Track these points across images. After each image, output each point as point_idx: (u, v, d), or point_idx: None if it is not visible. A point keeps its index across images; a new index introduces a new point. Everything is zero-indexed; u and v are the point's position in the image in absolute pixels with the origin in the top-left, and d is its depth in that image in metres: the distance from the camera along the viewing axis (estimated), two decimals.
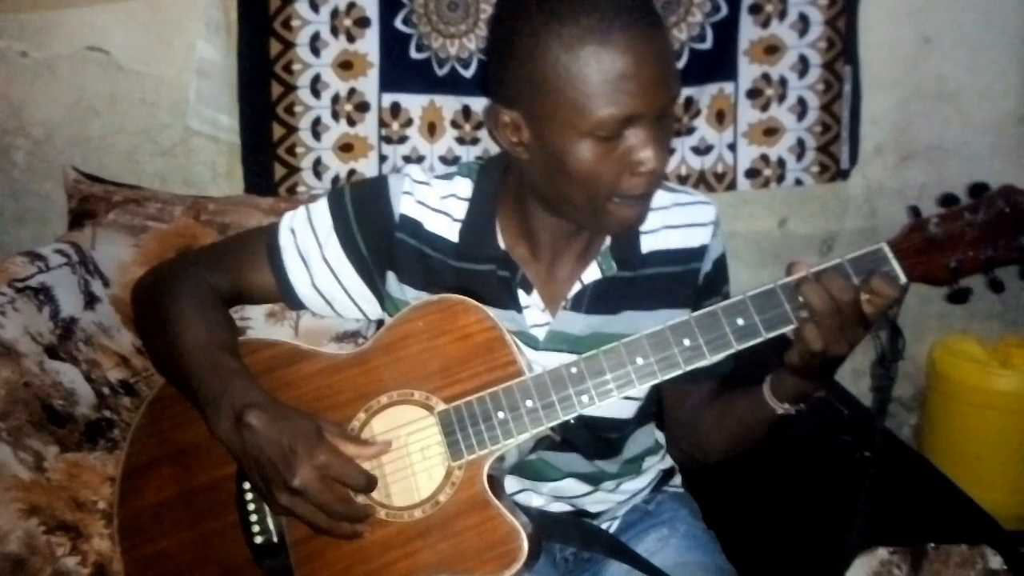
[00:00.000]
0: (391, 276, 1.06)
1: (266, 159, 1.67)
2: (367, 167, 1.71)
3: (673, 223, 1.06)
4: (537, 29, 0.89)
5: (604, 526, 1.17)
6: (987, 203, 0.86)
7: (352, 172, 1.71)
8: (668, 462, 1.22)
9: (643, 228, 1.04)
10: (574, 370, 0.93)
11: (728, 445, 1.07)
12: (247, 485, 1.00)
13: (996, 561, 1.08)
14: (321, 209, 1.07)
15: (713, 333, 0.90)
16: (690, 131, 1.79)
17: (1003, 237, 0.85)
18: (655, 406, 1.17)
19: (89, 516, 1.15)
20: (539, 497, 1.12)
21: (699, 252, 1.06)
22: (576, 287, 1.04)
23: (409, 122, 1.71)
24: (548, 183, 0.96)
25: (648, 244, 1.05)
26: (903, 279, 0.87)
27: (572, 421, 0.95)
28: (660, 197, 1.06)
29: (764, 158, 1.84)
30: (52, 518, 1.13)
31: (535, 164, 0.96)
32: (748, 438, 1.04)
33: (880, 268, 0.87)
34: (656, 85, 0.88)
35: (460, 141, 1.73)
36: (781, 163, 1.85)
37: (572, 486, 1.11)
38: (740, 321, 0.89)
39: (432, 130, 1.72)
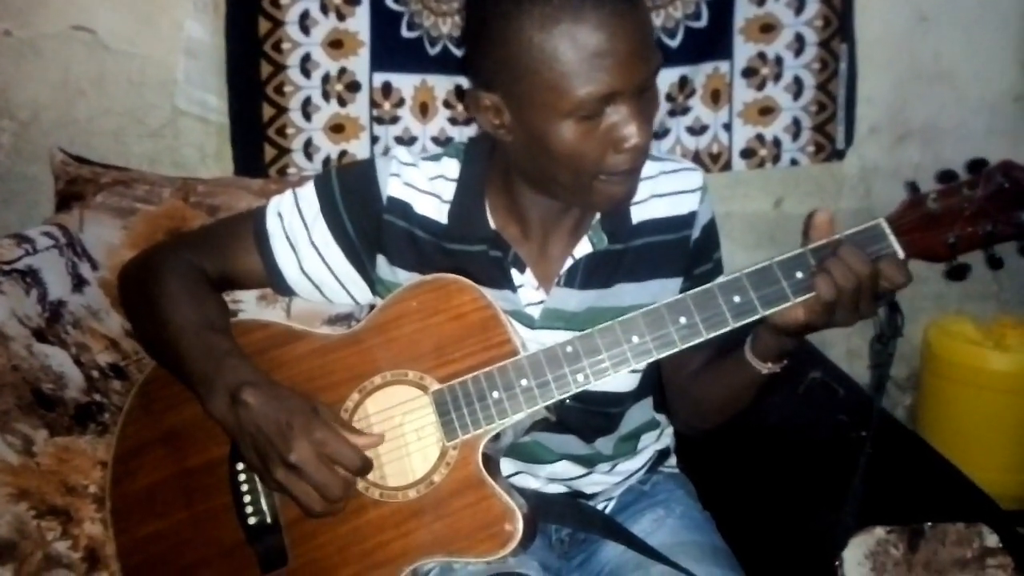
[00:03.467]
0: (381, 259, 1.05)
1: (256, 140, 1.65)
2: (359, 148, 1.70)
3: (660, 192, 1.06)
4: (509, 10, 0.87)
5: (600, 507, 1.16)
6: (986, 178, 0.85)
7: (343, 153, 1.69)
8: (664, 442, 1.21)
9: (632, 199, 1.03)
10: (569, 349, 0.92)
11: (721, 408, 1.07)
12: (240, 466, 0.99)
13: (992, 539, 1.08)
14: (308, 193, 1.06)
15: (709, 311, 0.89)
16: (685, 111, 1.78)
17: (1002, 213, 0.84)
18: (654, 380, 1.16)
19: (80, 500, 1.14)
20: (535, 480, 1.11)
21: (688, 219, 1.06)
22: (568, 263, 1.04)
23: (401, 102, 1.69)
24: (533, 164, 0.95)
25: (638, 215, 1.05)
26: (901, 255, 0.87)
27: (568, 400, 0.94)
28: (646, 167, 1.05)
29: (760, 138, 1.83)
30: (42, 502, 1.12)
31: (518, 146, 0.95)
32: (739, 400, 1.04)
33: (878, 244, 0.86)
34: (634, 60, 0.87)
35: (453, 121, 1.71)
36: (777, 143, 1.83)
37: (567, 468, 1.11)
38: (737, 299, 0.89)
39: (424, 110, 1.70)
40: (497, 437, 0.95)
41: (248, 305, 1.40)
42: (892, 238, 0.86)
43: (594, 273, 1.04)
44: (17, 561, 1.05)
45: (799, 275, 0.87)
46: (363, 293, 1.08)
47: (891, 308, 0.89)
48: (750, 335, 0.97)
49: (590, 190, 0.93)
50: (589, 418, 1.08)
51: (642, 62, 0.88)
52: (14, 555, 1.06)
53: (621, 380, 1.05)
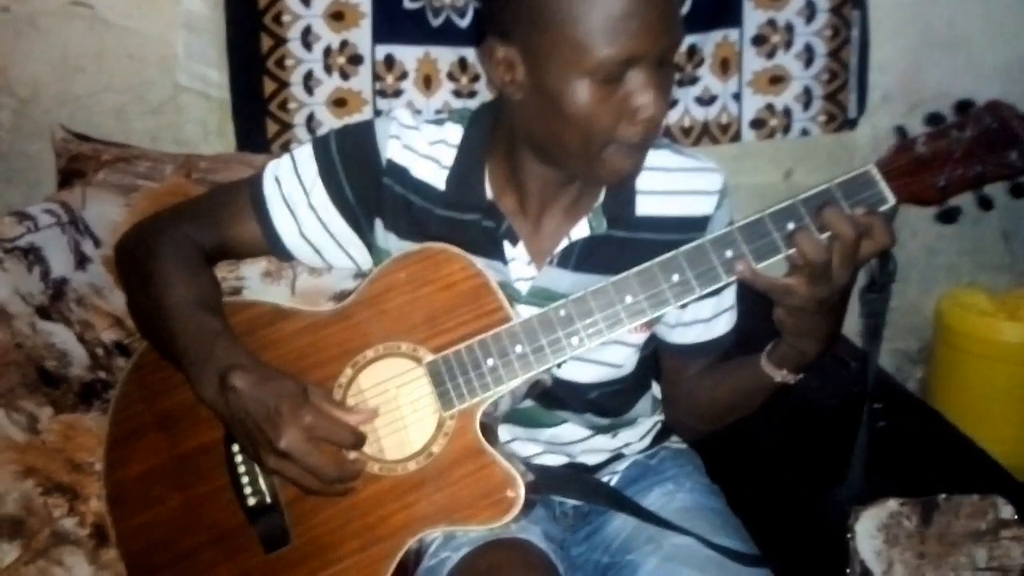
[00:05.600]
0: (378, 224, 1.04)
1: (258, 115, 1.63)
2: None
3: (675, 189, 1.03)
4: None
5: (604, 481, 1.15)
6: (974, 120, 0.84)
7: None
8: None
9: (641, 188, 1.01)
10: (563, 313, 0.91)
11: (723, 414, 1.06)
12: (236, 447, 0.98)
13: (1007, 511, 1.06)
14: (306, 156, 1.04)
15: (702, 266, 0.88)
16: (693, 81, 1.75)
17: (991, 153, 0.83)
18: (650, 374, 1.15)
19: (86, 477, 1.14)
20: (535, 445, 1.10)
21: (700, 222, 1.02)
22: (564, 243, 1.01)
23: (404, 75, 1.66)
24: (542, 127, 0.92)
25: (645, 207, 1.02)
26: (892, 200, 0.85)
27: (562, 364, 0.93)
28: (666, 158, 1.03)
29: (770, 108, 1.79)
30: (48, 480, 1.12)
31: (528, 106, 0.92)
32: (744, 407, 1.03)
33: (869, 191, 0.85)
34: (660, 26, 0.85)
35: (457, 94, 1.69)
36: (787, 113, 1.80)
37: (568, 431, 1.09)
38: (729, 253, 0.87)
39: (428, 83, 1.68)
40: (494, 405, 0.94)
41: (252, 282, 1.40)
42: (882, 184, 0.85)
43: (590, 258, 1.01)
44: (25, 538, 1.06)
45: (791, 226, 0.86)
46: (364, 257, 1.07)
47: (882, 255, 0.87)
48: (770, 344, 0.96)
49: (597, 160, 0.91)
50: (584, 403, 1.07)
51: (667, 30, 0.86)
52: (22, 532, 1.06)
53: (600, 372, 1.04)
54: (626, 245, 1.01)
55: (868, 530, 1.06)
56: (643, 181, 1.00)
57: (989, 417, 1.79)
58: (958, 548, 1.06)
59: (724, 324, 1.08)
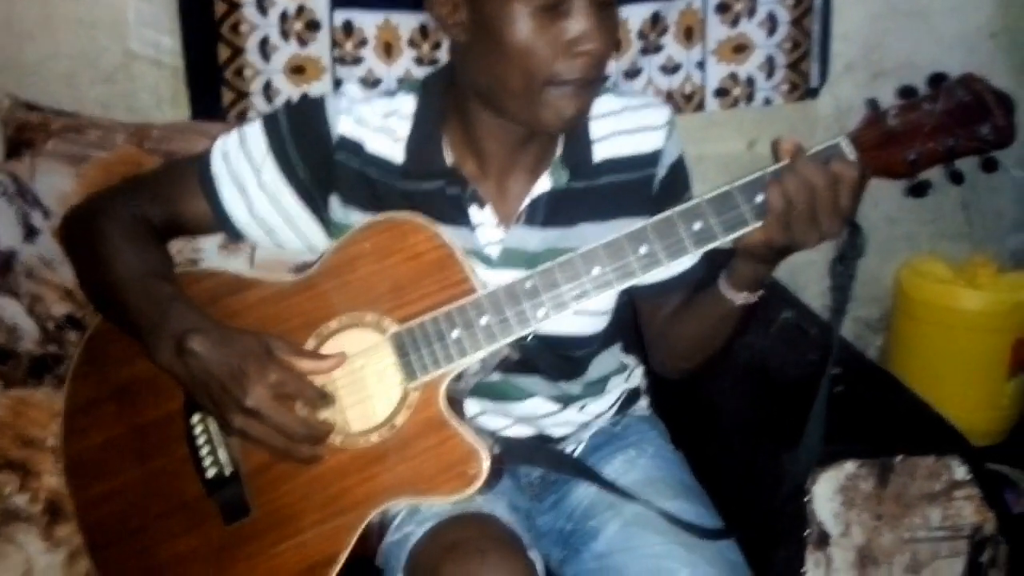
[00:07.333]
0: (334, 200, 1.02)
1: (213, 83, 1.59)
2: (321, 90, 1.64)
3: (624, 129, 1.03)
4: None
5: (569, 450, 1.15)
6: (946, 93, 0.83)
7: (305, 97, 1.64)
8: (633, 382, 1.20)
9: (594, 136, 1.01)
10: (528, 284, 0.90)
11: (698, 348, 1.05)
12: (195, 419, 0.96)
13: (961, 472, 1.08)
14: (255, 132, 1.02)
15: (669, 239, 0.88)
16: (657, 49, 1.74)
17: (963, 127, 0.83)
18: (624, 325, 1.14)
19: (38, 453, 1.12)
20: (504, 419, 1.10)
21: (652, 157, 1.03)
22: (528, 200, 1.01)
23: (363, 42, 1.63)
24: (484, 68, 0.91)
25: (600, 152, 1.02)
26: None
27: (530, 339, 0.92)
28: (610, 102, 1.03)
29: (733, 76, 1.79)
30: None
31: (472, 48, 0.91)
32: (716, 336, 1.02)
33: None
34: None
35: (419, 62, 1.66)
36: (750, 82, 1.80)
37: (538, 406, 1.09)
38: (697, 225, 0.87)
39: (388, 50, 1.64)
40: (460, 377, 0.94)
41: (210, 254, 1.37)
42: (853, 156, 0.84)
43: (556, 211, 1.01)
44: None
45: (759, 199, 0.86)
46: (318, 236, 1.05)
47: (852, 228, 0.87)
48: (726, 268, 0.95)
49: (541, 101, 0.90)
50: (555, 361, 1.06)
51: None
52: None
53: (581, 323, 1.03)
54: (589, 193, 1.01)
55: (826, 492, 1.07)
56: (595, 129, 1.01)
57: (947, 383, 1.82)
58: (913, 509, 1.09)
59: (689, 258, 1.08)
